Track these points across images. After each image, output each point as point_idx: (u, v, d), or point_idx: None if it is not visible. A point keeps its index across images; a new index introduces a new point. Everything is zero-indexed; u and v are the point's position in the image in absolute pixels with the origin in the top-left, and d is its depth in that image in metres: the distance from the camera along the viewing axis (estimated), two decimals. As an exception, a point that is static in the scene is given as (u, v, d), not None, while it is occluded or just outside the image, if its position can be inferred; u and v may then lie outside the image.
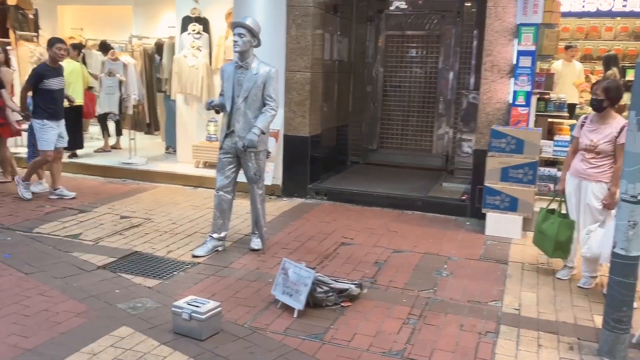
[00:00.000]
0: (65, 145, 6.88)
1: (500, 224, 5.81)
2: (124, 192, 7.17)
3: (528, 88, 5.91)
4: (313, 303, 4.00)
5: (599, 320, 3.84)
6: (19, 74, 8.64)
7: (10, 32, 9.08)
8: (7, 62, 7.75)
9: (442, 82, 8.67)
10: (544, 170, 6.11)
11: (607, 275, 3.55)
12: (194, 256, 5.00)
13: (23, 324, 3.65)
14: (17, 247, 5.09)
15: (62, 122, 6.71)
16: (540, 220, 4.82)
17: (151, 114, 9.47)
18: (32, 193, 6.75)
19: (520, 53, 5.91)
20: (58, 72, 6.60)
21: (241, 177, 5.23)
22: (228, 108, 5.00)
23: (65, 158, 8.49)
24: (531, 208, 5.75)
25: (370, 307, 4.09)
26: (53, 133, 6.54)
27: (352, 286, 4.19)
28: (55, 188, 6.80)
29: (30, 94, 6.58)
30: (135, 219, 6.05)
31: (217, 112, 5.21)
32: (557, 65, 8.32)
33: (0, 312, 3.80)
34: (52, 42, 6.58)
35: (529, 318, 4.02)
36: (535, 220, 5.05)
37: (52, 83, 6.46)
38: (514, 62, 6.00)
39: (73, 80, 8.34)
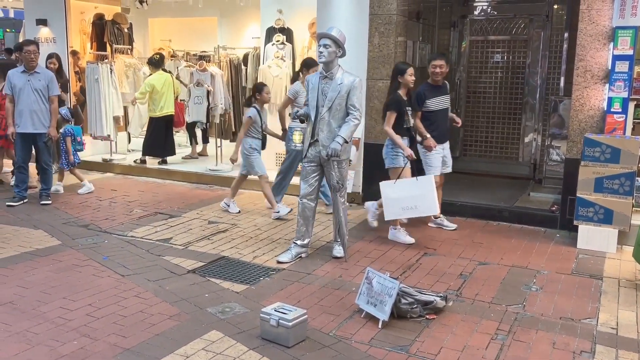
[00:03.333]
0: (449, 170, 6.29)
1: (594, 237, 5.54)
2: (210, 198, 7.43)
3: (625, 94, 5.62)
4: (397, 314, 3.97)
5: None
6: (118, 85, 9.17)
7: (108, 46, 9.65)
8: (59, 72, 7.96)
9: (529, 87, 8.39)
10: (643, 181, 5.78)
11: None
12: (279, 262, 5.10)
13: (121, 324, 3.86)
14: (114, 249, 5.40)
15: (447, 144, 6.19)
16: (640, 234, 4.56)
17: (237, 122, 9.75)
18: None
19: (617, 58, 5.63)
20: (440, 91, 6.06)
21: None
22: (312, 118, 5.08)
23: (155, 164, 8.95)
24: (628, 221, 5.44)
25: (456, 321, 4.01)
26: (438, 157, 6.00)
27: (437, 299, 4.13)
28: (435, 216, 6.16)
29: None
30: (222, 224, 6.25)
31: (302, 121, 5.30)
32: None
33: (101, 312, 4.04)
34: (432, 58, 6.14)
35: (628, 339, 3.80)
36: (635, 234, 4.77)
37: (433, 103, 5.99)
38: (609, 67, 5.71)
39: (165, 91, 8.78)
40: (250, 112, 6.51)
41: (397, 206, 5.46)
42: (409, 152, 5.52)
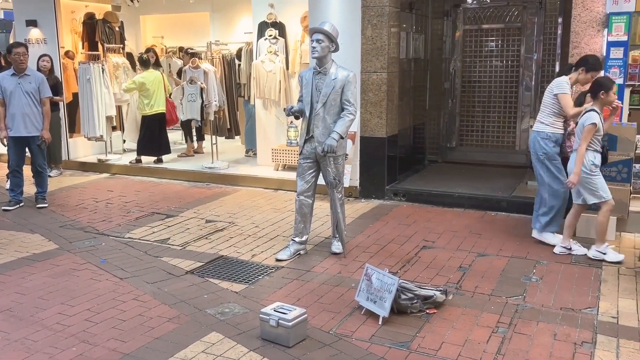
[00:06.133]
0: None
1: (593, 225, 5.51)
2: (207, 196, 7.39)
3: (620, 81, 5.58)
4: (397, 310, 3.96)
5: None
6: (112, 86, 9.11)
7: (99, 45, 9.58)
8: (51, 72, 8.20)
9: (524, 75, 8.36)
10: (640, 167, 5.76)
11: None
12: (277, 260, 5.08)
13: (120, 329, 3.84)
14: (111, 252, 5.37)
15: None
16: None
17: (231, 119, 9.72)
18: None
19: (611, 44, 5.59)
20: None
21: (320, 181, 5.26)
22: (307, 114, 5.04)
23: (150, 163, 8.91)
24: (626, 208, 5.43)
25: (456, 315, 4.00)
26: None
27: (437, 293, 4.11)
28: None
29: None
30: (219, 222, 6.23)
31: (297, 117, 5.26)
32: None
33: (100, 317, 4.02)
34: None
35: (629, 327, 3.79)
36: (633, 221, 4.75)
37: None
38: (604, 53, 5.67)
39: (155, 89, 8.72)
40: (593, 116, 4.84)
41: None
42: None
